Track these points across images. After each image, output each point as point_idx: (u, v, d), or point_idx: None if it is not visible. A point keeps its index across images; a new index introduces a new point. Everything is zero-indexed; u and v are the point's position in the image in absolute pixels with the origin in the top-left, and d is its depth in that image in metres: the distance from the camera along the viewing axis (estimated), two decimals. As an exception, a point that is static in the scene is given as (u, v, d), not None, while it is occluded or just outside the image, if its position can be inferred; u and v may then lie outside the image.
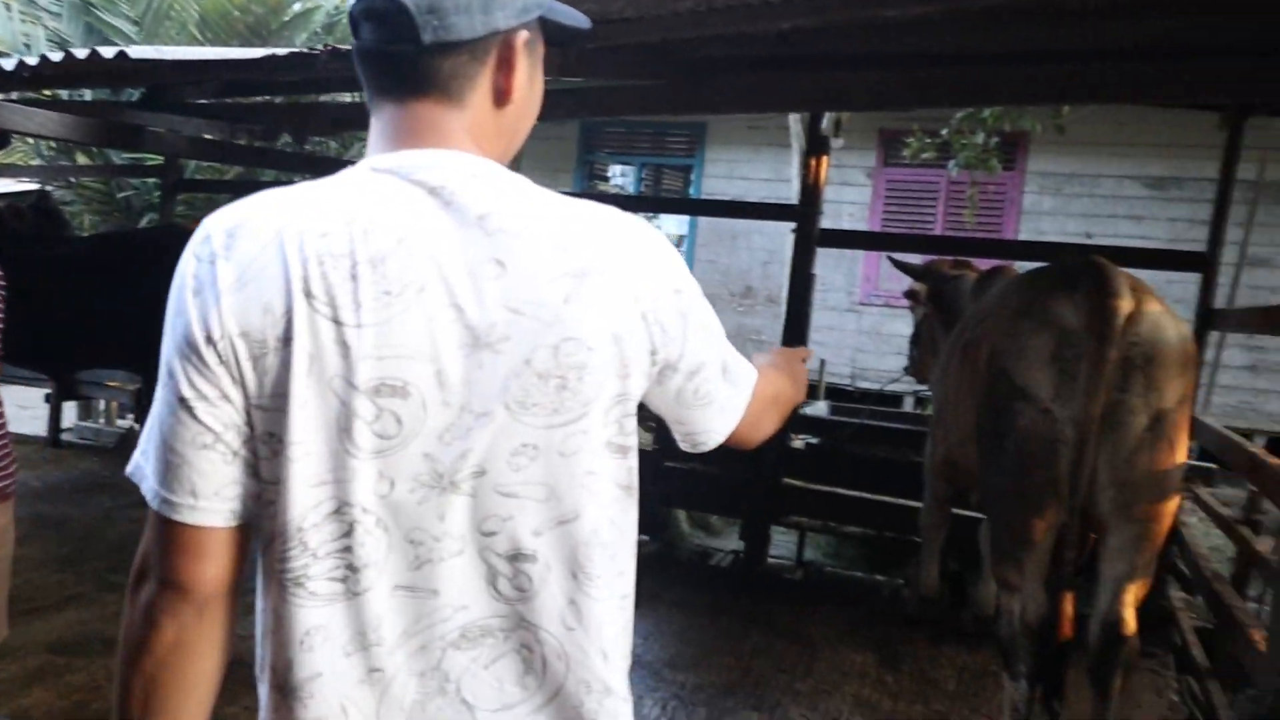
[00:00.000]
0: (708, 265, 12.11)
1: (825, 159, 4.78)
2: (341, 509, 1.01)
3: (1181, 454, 2.79)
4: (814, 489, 4.97)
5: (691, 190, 12.35)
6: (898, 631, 4.42)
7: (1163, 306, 2.82)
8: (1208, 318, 4.28)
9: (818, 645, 4.25)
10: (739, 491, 5.01)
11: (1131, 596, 2.86)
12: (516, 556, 1.03)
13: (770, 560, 6.25)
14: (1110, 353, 2.64)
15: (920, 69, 3.24)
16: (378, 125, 1.11)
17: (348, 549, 1.01)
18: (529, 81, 1.16)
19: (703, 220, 12.13)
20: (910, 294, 4.85)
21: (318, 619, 1.02)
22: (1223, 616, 3.18)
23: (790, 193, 9.40)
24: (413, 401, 0.99)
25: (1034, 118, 7.92)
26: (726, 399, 1.24)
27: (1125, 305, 2.70)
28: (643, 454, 4.92)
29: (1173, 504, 2.84)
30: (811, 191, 4.77)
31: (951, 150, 8.41)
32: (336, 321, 0.98)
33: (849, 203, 11.22)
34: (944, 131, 8.21)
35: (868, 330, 11.14)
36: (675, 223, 13.18)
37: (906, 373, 5.04)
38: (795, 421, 5.18)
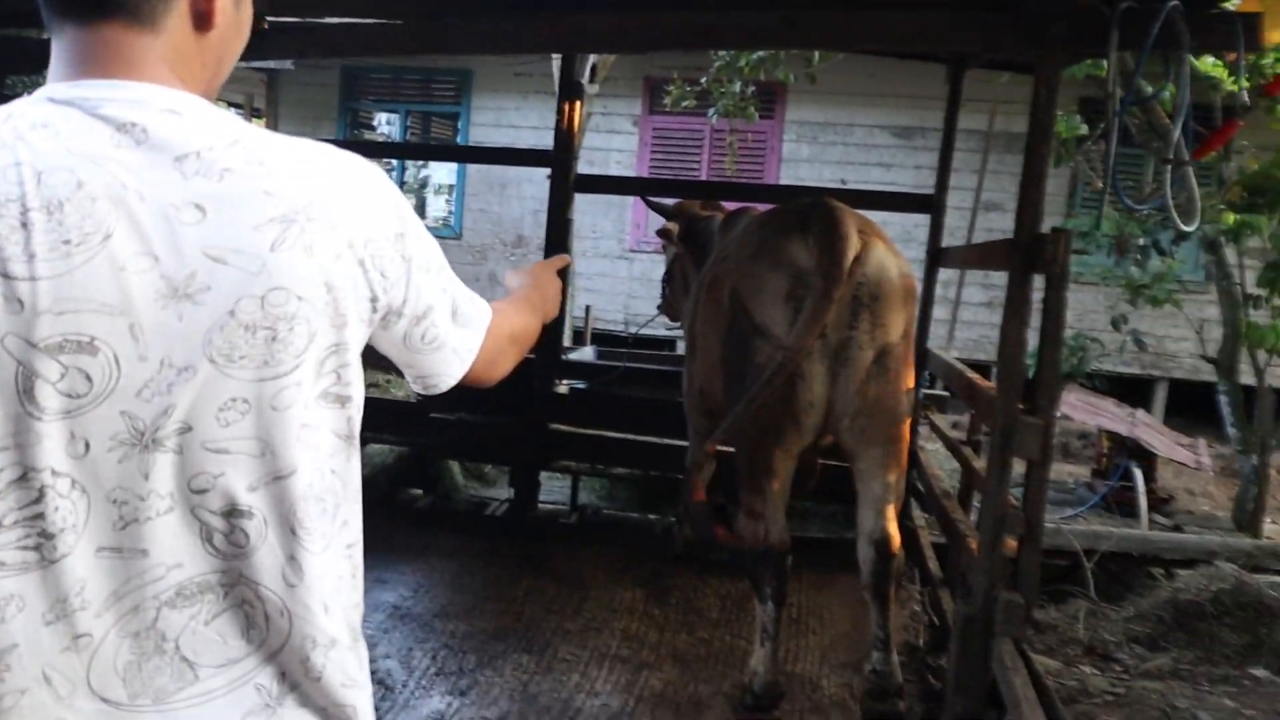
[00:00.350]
0: (479, 214, 11.95)
1: (579, 103, 4.78)
2: (27, 475, 0.94)
3: (908, 382, 3.00)
4: (581, 433, 5.03)
5: (459, 139, 12.08)
6: (667, 567, 4.56)
7: (887, 245, 3.00)
8: (937, 256, 4.61)
9: (589, 585, 4.33)
10: (508, 439, 5.00)
11: (891, 513, 3.07)
12: (231, 513, 1.00)
13: (545, 506, 6.31)
14: (836, 292, 2.79)
15: (655, 13, 3.28)
16: (57, 50, 1.01)
17: (39, 515, 0.95)
18: (234, 4, 1.08)
19: (472, 169, 11.93)
20: (662, 233, 4.94)
21: (9, 589, 0.95)
22: (950, 530, 3.46)
23: (558, 140, 9.42)
24: (102, 358, 0.93)
25: (787, 68, 8.20)
26: (458, 342, 1.23)
27: (853, 246, 2.86)
28: (408, 406, 4.84)
29: (905, 427, 3.05)
30: (566, 136, 4.76)
31: (711, 98, 8.61)
32: (5, 276, 0.90)
33: (616, 150, 11.32)
34: (704, 80, 8.39)
35: (639, 277, 11.34)
36: (445, 172, 12.88)
37: (660, 311, 5.16)
38: (562, 367, 5.21)
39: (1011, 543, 2.66)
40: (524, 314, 1.46)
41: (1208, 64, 8.39)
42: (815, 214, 2.94)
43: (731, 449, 4.48)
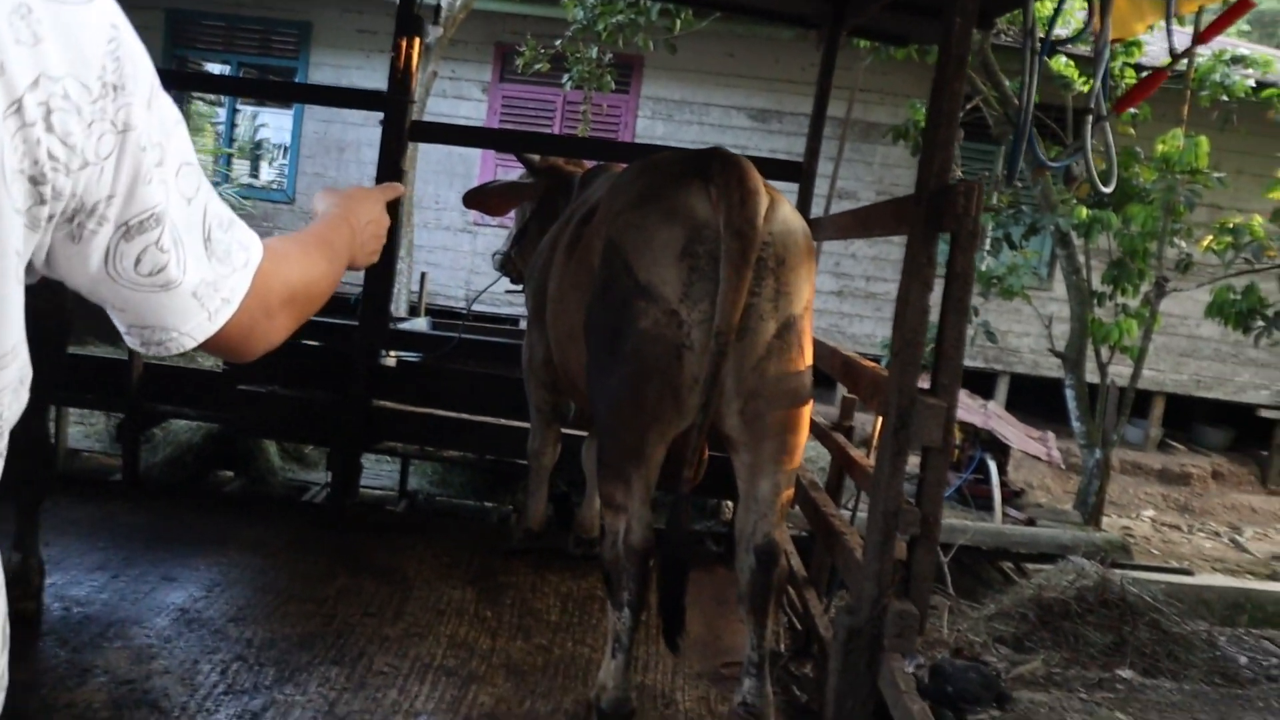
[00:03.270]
0: (315, 179, 11.12)
1: (418, 41, 4.22)
2: None
3: (809, 359, 2.61)
4: (410, 412, 4.47)
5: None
6: (501, 562, 4.07)
7: (790, 204, 2.61)
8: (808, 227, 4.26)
9: (413, 583, 3.79)
10: (325, 417, 4.40)
11: (780, 516, 2.66)
12: None
13: (371, 492, 5.73)
14: (753, 254, 2.39)
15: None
16: None
17: None
18: None
19: (308, 129, 11.10)
20: (514, 187, 4.45)
21: None
22: (820, 525, 3.10)
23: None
24: None
25: (646, 36, 7.79)
26: (204, 282, 0.81)
27: (764, 200, 2.45)
28: (212, 376, 4.13)
29: (807, 412, 2.66)
30: (403, 76, 4.19)
31: (566, 64, 8.12)
32: None
33: (464, 118, 10.70)
34: (558, 43, 7.89)
35: (483, 252, 10.75)
36: (275, 131, 11.96)
37: (500, 270, 4.66)
38: (390, 337, 4.62)
39: (901, 543, 2.30)
40: (315, 258, 1.01)
41: (1060, 63, 8.45)
42: (716, 162, 2.52)
43: (585, 432, 4.09)
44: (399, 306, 8.75)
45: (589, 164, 4.41)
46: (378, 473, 6.30)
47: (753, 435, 2.58)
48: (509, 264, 4.65)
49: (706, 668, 3.27)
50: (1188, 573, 6.37)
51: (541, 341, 3.65)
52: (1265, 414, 11.57)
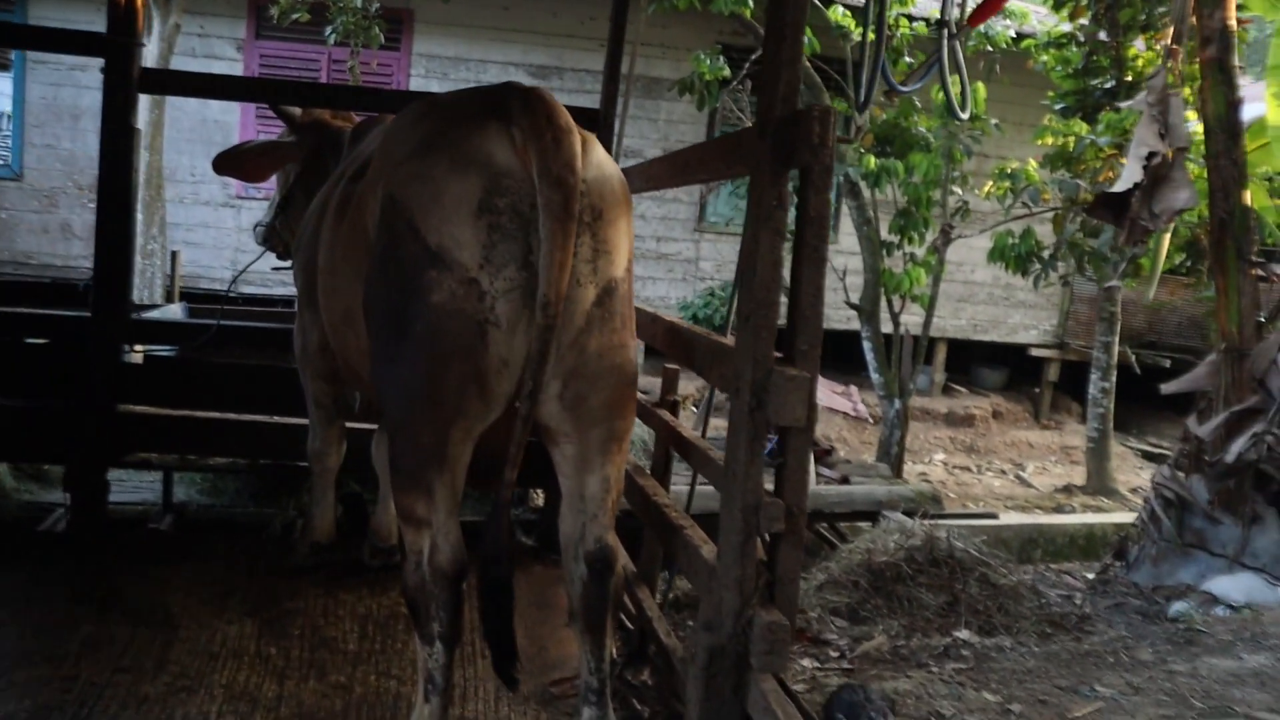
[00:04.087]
0: (45, 151, 9.84)
1: (145, -28, 3.53)
2: None
3: (633, 329, 2.23)
4: (164, 415, 3.80)
5: (15, 54, 9.85)
6: (286, 584, 3.51)
7: (601, 147, 2.20)
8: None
9: (178, 621, 3.19)
10: (55, 428, 3.67)
11: (612, 516, 2.28)
12: None
13: (129, 507, 4.98)
14: (575, 205, 1.98)
15: None
16: None
17: None
18: None
19: (33, 94, 9.79)
20: (274, 147, 3.85)
21: None
22: (653, 518, 2.74)
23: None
24: None
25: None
26: None
27: (579, 141, 2.04)
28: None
29: (633, 396, 2.28)
30: (126, 13, 3.49)
31: (329, 15, 7.38)
32: None
33: (217, 80, 9.68)
34: (319, -9, 7.16)
35: (248, 227, 9.75)
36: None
37: (263, 244, 4.06)
38: (134, 329, 3.90)
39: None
40: None
41: (838, 14, 8.41)
42: (516, 98, 2.08)
43: (373, 425, 3.56)
44: (153, 292, 7.80)
45: (359, 118, 3.86)
46: (138, 484, 5.52)
47: (576, 423, 2.18)
48: (273, 236, 4.05)
49: (533, 688, 2.87)
50: (993, 516, 6.49)
51: (315, 324, 3.11)
52: (1035, 353, 12.21)
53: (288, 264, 4.04)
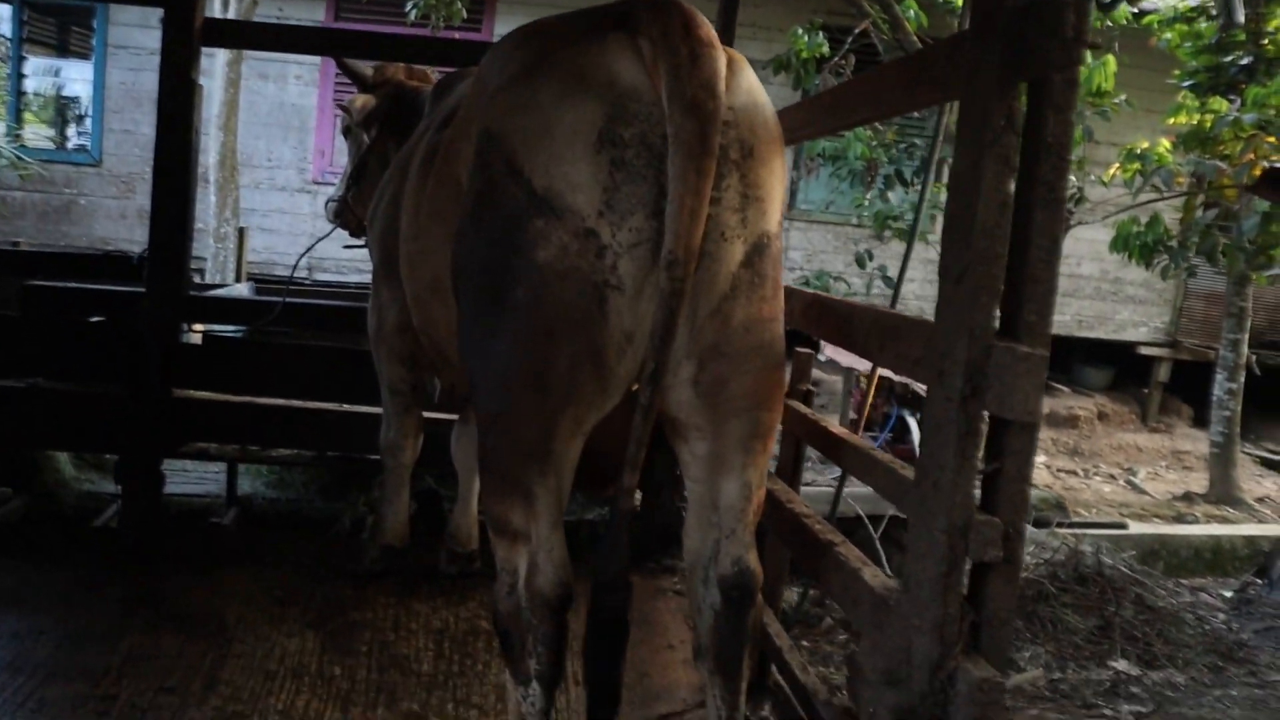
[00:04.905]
0: (124, 138, 9.70)
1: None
2: None
3: (783, 300, 1.77)
4: (224, 401, 3.44)
5: (96, 40, 9.76)
6: (353, 592, 3.13)
7: (753, 71, 1.75)
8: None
9: (233, 633, 2.83)
10: (107, 416, 3.32)
11: (751, 531, 1.83)
12: None
13: (192, 499, 4.67)
14: (716, 136, 1.55)
15: None
16: None
17: None
18: None
19: (113, 80, 9.67)
20: (347, 108, 3.47)
21: None
22: (789, 529, 2.27)
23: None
24: None
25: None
26: None
27: (723, 58, 1.60)
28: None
29: (783, 378, 1.83)
30: (189, -43, 3.13)
31: (407, -8, 7.03)
32: None
33: (295, 61, 9.44)
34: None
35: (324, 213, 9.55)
36: (80, 82, 10.38)
37: (335, 220, 3.68)
38: (192, 307, 3.54)
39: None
40: None
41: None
42: (644, 5, 1.65)
43: (456, 415, 3.14)
44: (224, 276, 7.54)
45: (438, 77, 3.47)
46: (202, 475, 5.21)
47: (712, 414, 1.73)
48: (345, 211, 3.67)
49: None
50: (1122, 525, 5.90)
51: (394, 301, 2.72)
52: (1143, 351, 11.43)
53: (361, 242, 3.66)
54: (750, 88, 1.69)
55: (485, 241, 1.65)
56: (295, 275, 3.78)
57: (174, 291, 3.28)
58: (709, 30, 1.61)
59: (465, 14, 7.49)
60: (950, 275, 1.44)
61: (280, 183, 9.74)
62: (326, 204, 3.80)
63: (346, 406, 3.50)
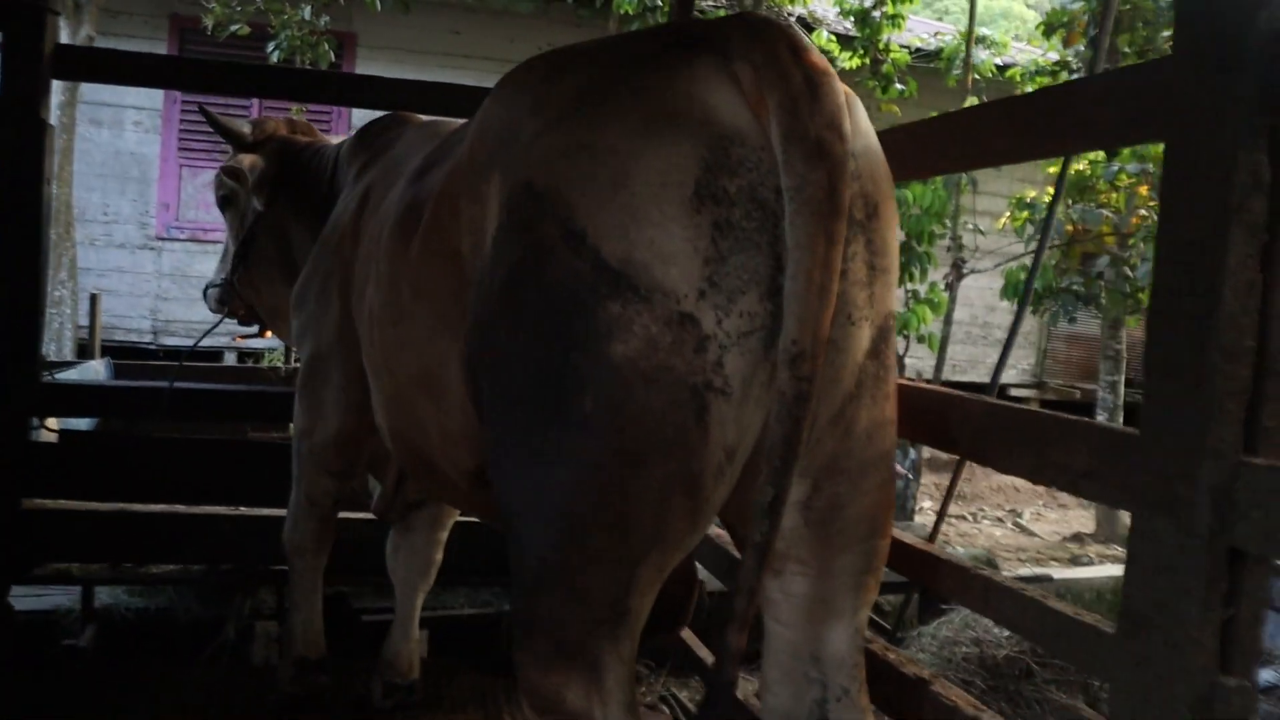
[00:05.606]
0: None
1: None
2: None
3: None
4: (86, 510, 2.82)
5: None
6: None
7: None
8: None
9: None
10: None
11: (865, 692, 1.45)
12: None
13: (35, 615, 3.95)
14: (846, 188, 1.19)
15: None
16: None
17: None
18: None
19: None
20: (233, 172, 2.90)
21: None
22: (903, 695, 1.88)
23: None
24: None
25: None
26: None
27: (841, 91, 1.25)
28: None
29: (894, 496, 1.46)
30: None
31: (271, 30, 6.45)
32: None
33: (132, 107, 8.67)
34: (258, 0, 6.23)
35: (170, 272, 8.74)
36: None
37: (218, 309, 3.10)
38: (44, 395, 2.88)
39: None
40: None
41: (822, 39, 7.82)
42: (737, 24, 1.27)
43: (401, 525, 2.59)
44: (61, 346, 6.70)
45: (338, 136, 3.02)
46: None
47: (823, 546, 1.36)
48: (232, 298, 3.05)
49: None
50: (1047, 579, 5.76)
51: (337, 404, 2.21)
52: (1015, 393, 11.68)
53: (253, 330, 3.11)
54: (868, 127, 1.33)
55: (530, 333, 1.22)
56: (142, 344, 3.19)
57: (24, 378, 2.67)
58: (819, 55, 1.24)
59: (333, 54, 6.97)
60: (1175, 372, 1.11)
61: (119, 239, 8.86)
62: (205, 290, 3.19)
63: (243, 510, 2.93)
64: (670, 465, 1.19)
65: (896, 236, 1.36)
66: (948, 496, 3.56)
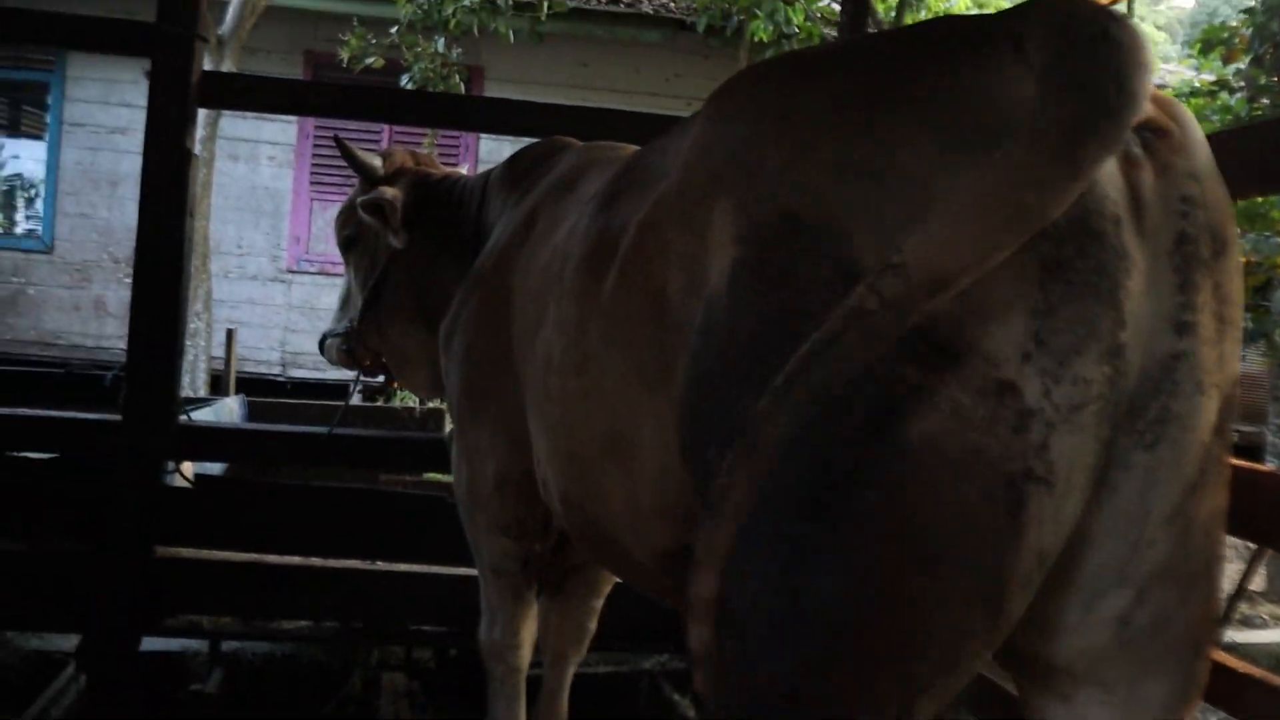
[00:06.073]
0: (79, 221, 8.96)
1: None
2: None
3: None
4: (219, 560, 2.67)
5: (50, 116, 9.06)
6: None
7: None
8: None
9: None
10: (68, 582, 2.54)
11: None
12: None
13: (165, 656, 3.86)
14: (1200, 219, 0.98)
15: None
16: None
17: None
18: None
19: (68, 159, 8.96)
20: (373, 206, 2.64)
21: None
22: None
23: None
24: None
25: (504, 23, 6.21)
26: None
27: (1148, 68, 0.93)
28: None
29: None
30: (184, 1, 2.46)
31: (403, 61, 6.42)
32: None
33: (269, 142, 8.83)
34: (394, 31, 6.20)
35: (300, 304, 8.82)
36: (31, 162, 9.60)
37: (338, 361, 2.88)
38: (181, 437, 2.72)
39: None
40: None
41: None
42: (1037, 14, 0.98)
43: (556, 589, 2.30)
44: (194, 379, 6.74)
45: (460, 169, 2.82)
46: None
47: (1139, 667, 1.07)
48: (353, 347, 2.83)
49: None
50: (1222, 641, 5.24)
51: (495, 448, 1.96)
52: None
53: (377, 378, 2.91)
54: (1205, 141, 1.04)
55: (782, 397, 0.95)
56: (271, 375, 3.05)
57: (160, 419, 2.53)
58: (1145, 50, 0.95)
59: (464, 85, 6.92)
60: None
61: (252, 271, 9.01)
62: (323, 343, 2.96)
63: (381, 564, 2.74)
64: (972, 574, 0.90)
65: (1240, 278, 1.05)
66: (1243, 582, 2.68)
